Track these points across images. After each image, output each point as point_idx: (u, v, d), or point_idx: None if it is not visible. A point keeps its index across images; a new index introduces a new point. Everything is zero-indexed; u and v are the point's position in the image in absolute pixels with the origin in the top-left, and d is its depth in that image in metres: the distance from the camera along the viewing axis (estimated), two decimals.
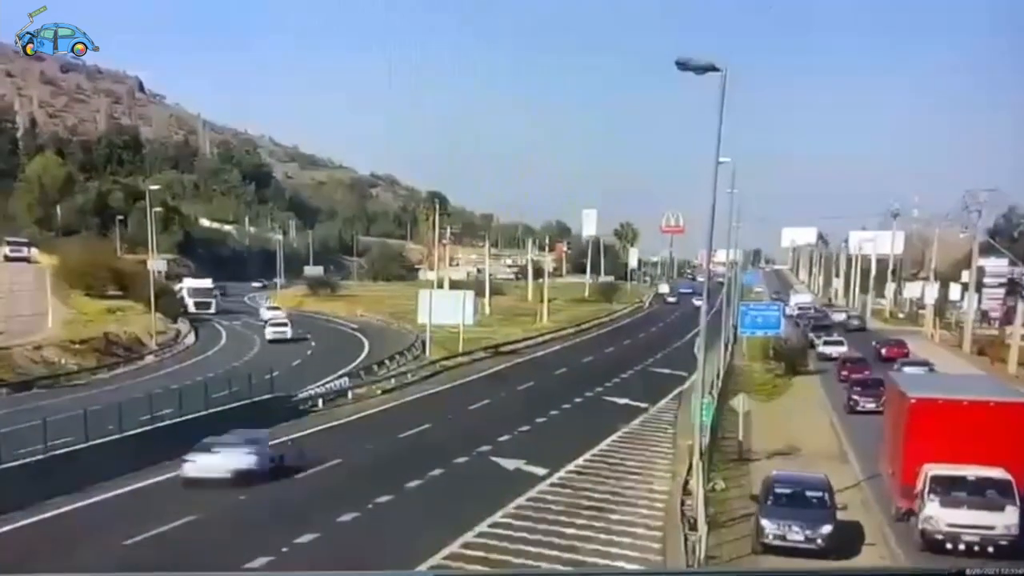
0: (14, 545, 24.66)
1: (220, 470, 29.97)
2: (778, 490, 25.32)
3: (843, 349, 64.98)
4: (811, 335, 74.24)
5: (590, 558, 24.00)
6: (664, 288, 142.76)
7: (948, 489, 24.55)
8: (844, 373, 53.41)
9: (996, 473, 24.69)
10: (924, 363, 56.56)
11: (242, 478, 30.06)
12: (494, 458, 35.45)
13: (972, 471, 24.89)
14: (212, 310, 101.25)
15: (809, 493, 25.24)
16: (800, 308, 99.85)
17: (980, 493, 24.45)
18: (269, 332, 77.91)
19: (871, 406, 41.12)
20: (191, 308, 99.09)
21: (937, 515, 24.15)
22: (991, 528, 23.52)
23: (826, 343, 68.43)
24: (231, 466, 30.16)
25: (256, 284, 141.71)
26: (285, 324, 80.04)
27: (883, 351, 64.14)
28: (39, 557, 24.03)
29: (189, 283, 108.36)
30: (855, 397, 44.98)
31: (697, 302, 34.90)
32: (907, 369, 54.56)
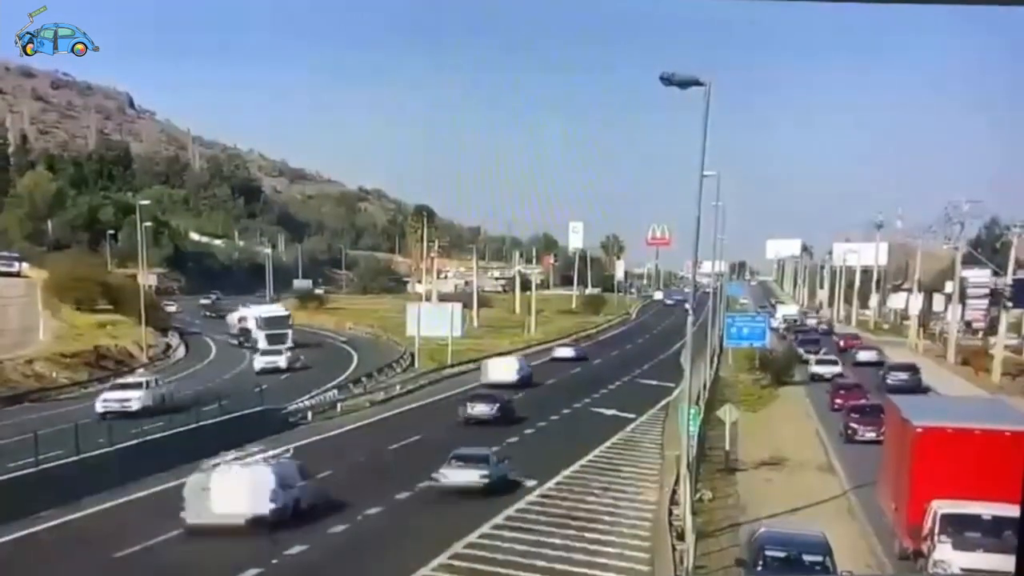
0: (3, 558, 24.80)
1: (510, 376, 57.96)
2: (769, 552, 21.48)
3: (837, 369, 60.54)
4: (800, 350, 71.18)
5: (579, 568, 24.24)
6: (659, 295, 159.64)
7: (960, 529, 22.07)
8: (838, 401, 47.64)
9: (1014, 511, 21.12)
10: (874, 348, 71.79)
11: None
12: None
13: (987, 509, 22.10)
14: (288, 344, 75.98)
15: (807, 557, 21.40)
16: (786, 320, 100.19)
17: (996, 534, 21.47)
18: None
19: (871, 435, 37.50)
20: (261, 344, 75.95)
21: (949, 559, 21.78)
22: (1010, 574, 21.45)
23: (819, 362, 63.03)
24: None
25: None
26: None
27: (841, 343, 79.17)
28: (29, 571, 24.21)
29: (257, 311, 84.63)
30: (853, 425, 40.81)
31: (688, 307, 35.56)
32: (861, 354, 69.39)
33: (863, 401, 44.81)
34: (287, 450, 31.74)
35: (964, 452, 23.69)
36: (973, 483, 22.92)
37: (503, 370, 58.87)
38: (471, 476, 31.50)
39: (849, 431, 40.80)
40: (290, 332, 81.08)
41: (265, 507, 27.23)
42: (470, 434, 40.96)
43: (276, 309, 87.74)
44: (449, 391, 57.77)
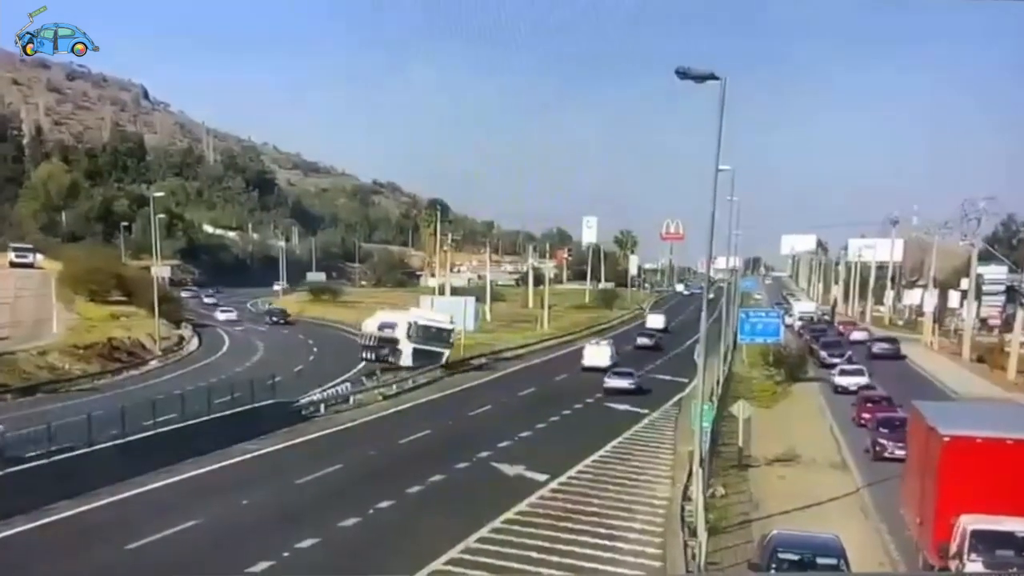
0: (17, 549, 24.84)
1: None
2: (782, 555, 20.84)
3: (864, 380, 54.26)
4: (823, 354, 68.01)
5: (590, 564, 24.16)
6: (680, 287, 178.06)
7: (991, 547, 20.32)
8: (865, 416, 42.84)
9: None
10: (864, 329, 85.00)
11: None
12: (495, 464, 35.66)
13: (1021, 525, 20.61)
14: (441, 362, 61.89)
15: (821, 559, 20.64)
16: (802, 318, 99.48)
17: None
18: None
19: (902, 452, 31.95)
20: (405, 359, 60.00)
21: None
22: None
23: (843, 372, 56.85)
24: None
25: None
26: None
27: (840, 328, 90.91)
28: (42, 561, 24.23)
29: (412, 316, 63.79)
30: (882, 441, 36.87)
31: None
32: (854, 334, 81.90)
33: (892, 414, 39.62)
34: (611, 340, 74.78)
35: (995, 463, 21.91)
36: (1005, 497, 21.36)
37: (656, 320, 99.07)
38: (624, 383, 54.51)
39: (877, 448, 36.99)
40: (447, 354, 62.44)
41: (607, 362, 62.71)
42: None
43: (437, 317, 64.90)
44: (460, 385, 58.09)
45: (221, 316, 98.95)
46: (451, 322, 64.56)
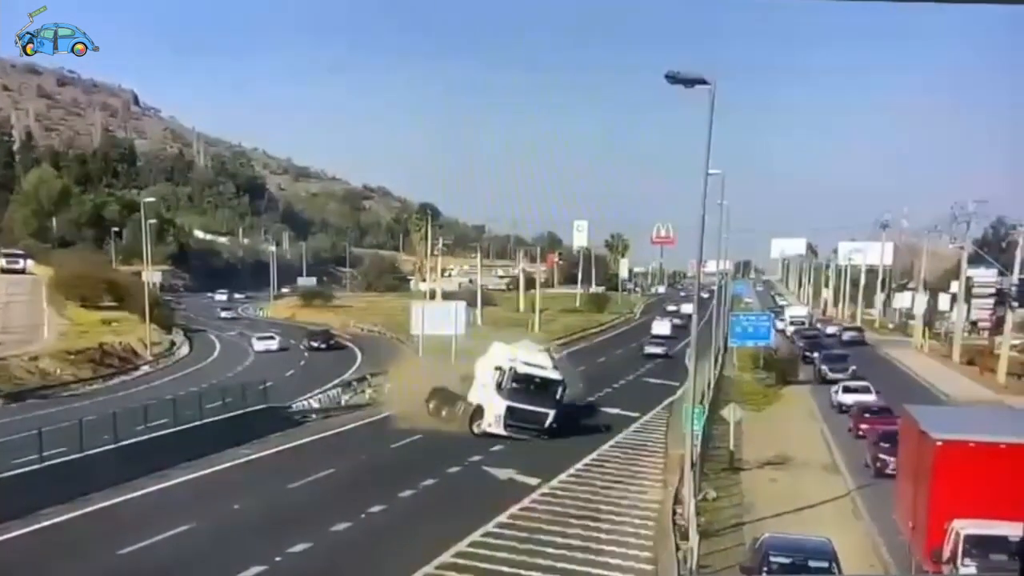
0: (8, 555, 24.83)
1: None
2: (773, 558, 20.96)
3: (871, 398, 47.94)
4: (824, 367, 60.95)
5: (582, 567, 24.23)
6: (661, 289, 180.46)
7: (985, 552, 20.33)
8: (864, 427, 40.44)
9: None
10: (837, 324, 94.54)
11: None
12: (486, 468, 35.70)
13: (1014, 530, 19.80)
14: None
15: (813, 563, 20.78)
16: (794, 322, 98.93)
17: None
18: None
19: None
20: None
21: None
22: None
23: (846, 390, 50.26)
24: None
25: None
26: None
27: (818, 324, 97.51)
28: (33, 567, 24.22)
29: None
30: (883, 456, 33.96)
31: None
32: (828, 328, 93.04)
33: (894, 427, 34.08)
34: (670, 316, 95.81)
35: (988, 467, 21.80)
36: (999, 501, 21.06)
37: (687, 308, 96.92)
38: (660, 349, 73.08)
39: (878, 464, 34.55)
40: (551, 416, 41.47)
41: (668, 331, 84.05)
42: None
43: (537, 358, 44.51)
44: None
45: (259, 346, 79.08)
46: (554, 366, 44.14)
